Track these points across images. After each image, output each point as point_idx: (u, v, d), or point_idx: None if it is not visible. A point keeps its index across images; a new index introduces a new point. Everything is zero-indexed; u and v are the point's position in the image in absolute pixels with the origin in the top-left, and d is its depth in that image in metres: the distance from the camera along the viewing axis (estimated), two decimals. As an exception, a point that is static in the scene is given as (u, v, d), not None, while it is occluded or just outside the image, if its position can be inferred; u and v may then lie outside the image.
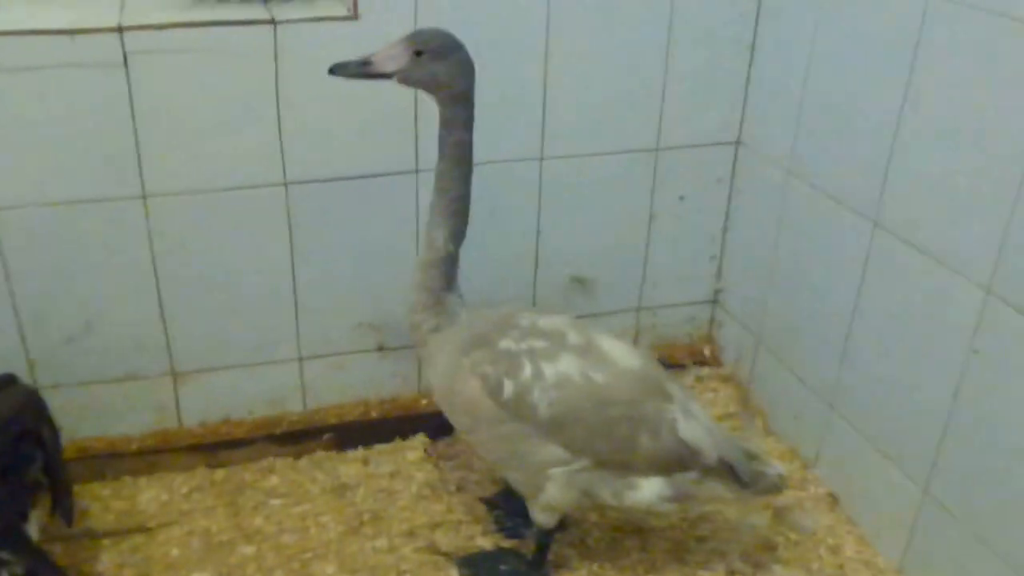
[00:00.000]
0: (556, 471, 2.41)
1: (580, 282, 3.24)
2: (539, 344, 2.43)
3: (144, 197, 2.68)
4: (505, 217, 3.05)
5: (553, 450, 2.38)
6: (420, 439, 3.16)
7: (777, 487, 2.54)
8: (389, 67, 2.34)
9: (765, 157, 3.08)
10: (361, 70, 2.35)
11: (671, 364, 3.41)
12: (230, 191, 2.75)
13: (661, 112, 3.06)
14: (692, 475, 2.43)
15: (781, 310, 3.12)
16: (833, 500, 2.95)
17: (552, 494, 2.45)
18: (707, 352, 3.50)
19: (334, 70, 2.35)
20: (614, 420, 2.36)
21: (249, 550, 2.76)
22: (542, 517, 2.53)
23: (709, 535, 2.84)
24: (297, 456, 3.07)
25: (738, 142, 3.18)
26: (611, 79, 2.97)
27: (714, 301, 3.44)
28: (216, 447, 3.01)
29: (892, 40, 2.51)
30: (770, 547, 2.81)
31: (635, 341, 3.41)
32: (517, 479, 2.54)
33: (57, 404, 2.70)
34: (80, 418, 2.92)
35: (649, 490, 2.42)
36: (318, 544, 2.78)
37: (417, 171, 2.87)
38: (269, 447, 3.05)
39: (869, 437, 2.77)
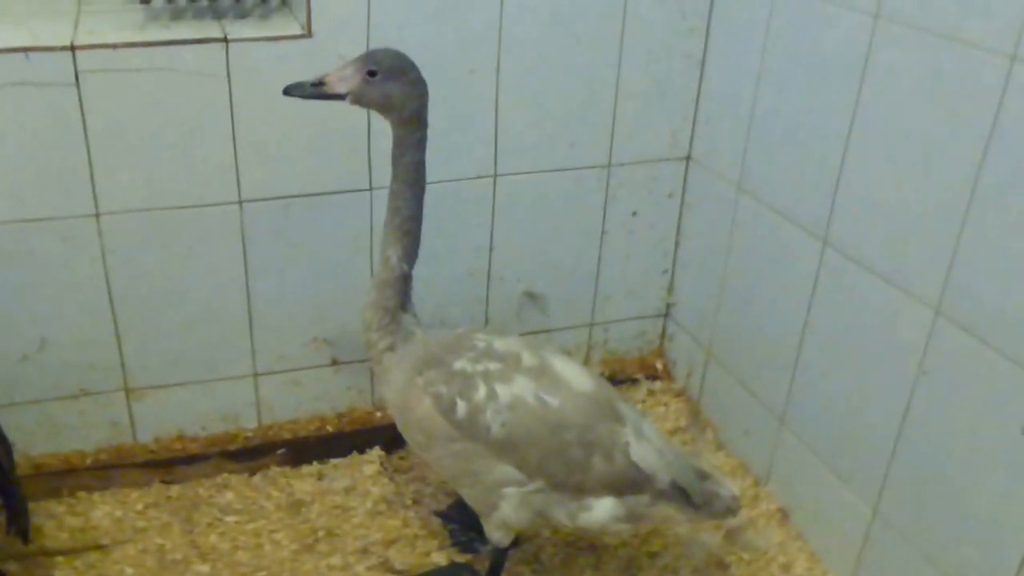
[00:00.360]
0: (510, 491, 2.33)
1: (533, 298, 3.16)
2: (493, 366, 2.35)
3: (97, 215, 2.57)
4: (458, 234, 2.97)
5: (506, 470, 2.31)
6: (376, 453, 3.06)
7: (730, 510, 2.46)
8: (342, 88, 2.25)
9: (715, 173, 3.01)
10: (314, 91, 2.26)
11: (622, 379, 3.35)
12: (184, 209, 2.64)
13: (613, 128, 2.98)
14: (644, 498, 2.35)
15: (732, 325, 3.05)
16: (784, 516, 2.87)
17: (506, 513, 2.37)
18: (659, 366, 3.42)
19: (288, 91, 2.26)
20: (567, 443, 2.28)
21: (203, 568, 2.65)
22: (496, 535, 2.45)
23: (661, 551, 2.76)
24: (252, 472, 2.97)
25: (688, 158, 3.11)
26: (563, 95, 2.89)
27: (666, 315, 3.37)
28: (171, 463, 2.90)
29: (841, 59, 2.44)
30: (722, 565, 2.74)
31: (587, 356, 3.34)
32: (471, 496, 2.46)
33: (11, 421, 2.63)
34: (35, 435, 2.80)
35: (602, 511, 2.34)
36: (272, 562, 2.68)
37: (371, 189, 2.78)
38: (224, 463, 2.94)
39: (819, 454, 2.70)
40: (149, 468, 2.89)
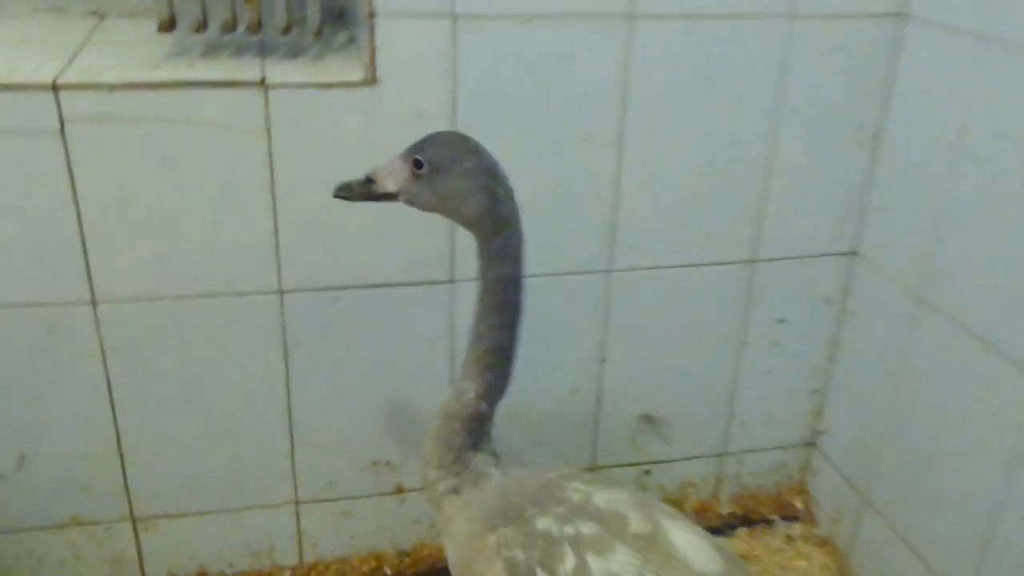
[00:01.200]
0: None
1: (651, 422, 2.32)
2: (588, 529, 1.58)
3: (93, 302, 1.82)
4: (561, 342, 2.16)
5: None
6: (445, 601, 2.36)
7: None
8: (391, 185, 1.60)
9: (888, 274, 2.14)
10: (362, 191, 1.61)
11: (755, 520, 2.47)
12: (207, 298, 1.88)
13: (760, 215, 2.14)
14: None
15: (898, 467, 2.16)
16: None
17: None
18: (799, 505, 2.51)
19: (337, 193, 1.61)
20: None
21: None
22: None
23: None
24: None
25: (854, 253, 2.24)
26: (700, 172, 2.06)
27: (810, 444, 2.48)
28: (189, 611, 2.18)
29: None
30: None
31: (715, 491, 2.46)
32: None
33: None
34: (13, 573, 2.05)
35: None
36: None
37: (452, 281, 1.99)
38: (254, 611, 2.22)
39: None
40: (159, 615, 2.17)
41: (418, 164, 1.56)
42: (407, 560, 2.27)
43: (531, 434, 2.22)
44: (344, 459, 2.14)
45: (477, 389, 1.66)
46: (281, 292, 1.92)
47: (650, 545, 1.64)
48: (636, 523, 1.64)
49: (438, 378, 2.11)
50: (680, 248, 2.14)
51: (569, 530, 1.62)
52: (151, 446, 2.00)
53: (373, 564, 2.25)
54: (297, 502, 2.15)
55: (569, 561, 1.57)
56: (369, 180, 1.62)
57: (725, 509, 2.48)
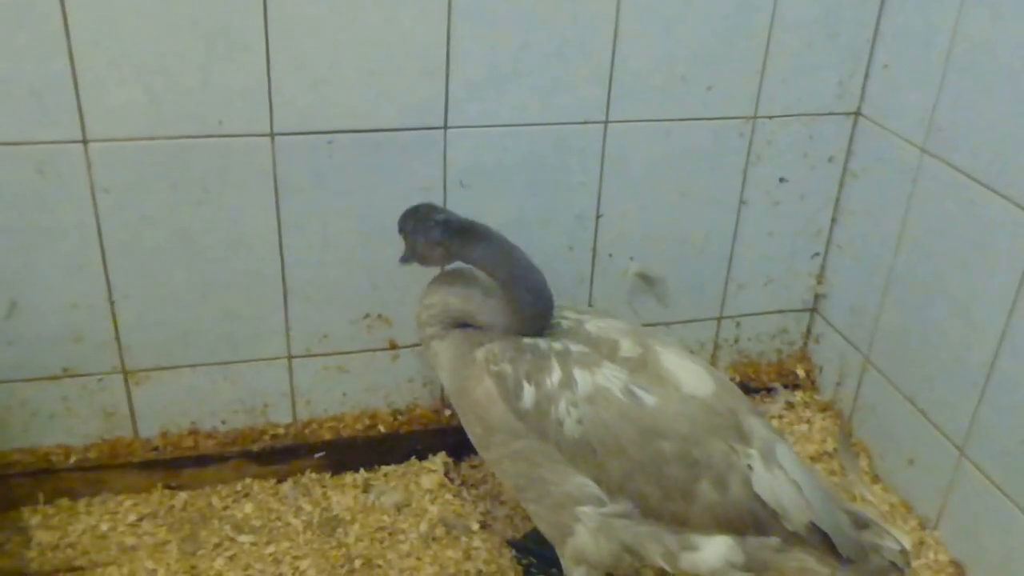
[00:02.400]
0: (586, 511, 1.69)
1: (648, 281, 2.32)
2: (577, 348, 1.68)
3: (84, 141, 1.82)
4: (558, 195, 2.16)
5: (582, 482, 1.67)
6: (440, 459, 2.29)
7: (896, 568, 1.67)
8: (404, 255, 1.91)
9: (893, 131, 2.16)
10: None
11: (756, 387, 2.51)
12: (198, 139, 1.88)
13: (763, 69, 2.14)
14: (772, 541, 1.62)
15: (901, 324, 2.20)
16: (959, 571, 2.05)
17: (583, 541, 1.72)
18: (801, 372, 2.55)
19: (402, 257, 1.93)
20: (665, 458, 1.59)
21: None
22: (576, 572, 1.76)
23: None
24: (280, 479, 2.22)
25: (858, 113, 2.25)
26: (702, 22, 2.06)
27: (813, 310, 2.50)
28: (178, 464, 2.16)
29: None
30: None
31: (713, 357, 2.50)
32: (539, 515, 1.76)
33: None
34: (4, 425, 2.06)
35: (713, 553, 1.65)
36: None
37: (445, 127, 1.99)
38: (245, 466, 2.19)
39: (1012, 493, 1.88)
40: (151, 470, 2.15)
41: (401, 231, 1.90)
42: (401, 419, 2.31)
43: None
44: (337, 312, 2.16)
45: (504, 323, 1.78)
46: (273, 135, 1.92)
47: (640, 366, 1.72)
48: (627, 347, 1.75)
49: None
50: (679, 101, 2.15)
51: (557, 346, 1.72)
52: (143, 295, 2.01)
53: (367, 422, 2.28)
54: (290, 357, 2.17)
55: (556, 374, 1.67)
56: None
57: (725, 375, 2.49)
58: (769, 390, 2.53)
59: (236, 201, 1.98)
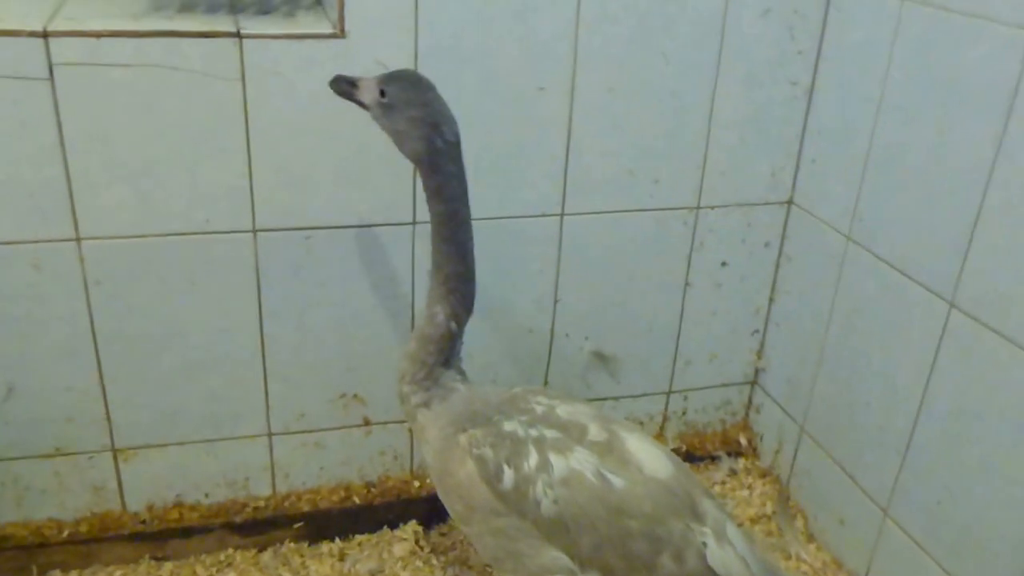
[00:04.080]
0: None
1: (602, 359, 2.45)
2: (551, 433, 1.78)
3: (78, 240, 1.94)
4: (518, 283, 2.29)
5: (555, 556, 1.73)
6: (411, 528, 2.37)
7: None
8: (365, 97, 1.79)
9: (821, 220, 2.30)
10: (344, 87, 1.79)
11: (701, 456, 2.64)
12: (185, 237, 2.00)
13: (704, 164, 2.29)
14: None
15: (831, 396, 2.33)
16: (884, 626, 2.23)
17: None
18: (744, 441, 2.67)
19: (331, 83, 1.78)
20: (630, 534, 1.69)
21: None
22: None
23: None
24: (261, 548, 2.30)
25: (790, 202, 2.40)
26: (647, 123, 2.20)
27: (754, 383, 2.64)
28: (164, 536, 2.23)
29: (983, 84, 1.77)
30: None
31: (662, 428, 2.61)
32: None
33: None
34: (0, 500, 2.18)
35: None
36: None
37: (415, 223, 2.13)
38: (228, 537, 2.28)
39: (933, 553, 2.00)
40: (139, 542, 2.22)
41: (383, 93, 1.76)
42: (374, 490, 2.41)
43: (487, 371, 2.35)
44: (313, 392, 2.27)
45: (446, 311, 1.85)
46: (255, 231, 2.05)
47: (607, 450, 1.83)
48: (595, 432, 1.85)
49: (402, 314, 2.25)
50: (628, 194, 2.29)
51: (533, 432, 1.83)
52: (131, 379, 2.11)
53: (342, 494, 2.37)
54: (270, 434, 2.27)
55: (533, 458, 1.77)
56: (353, 84, 1.80)
57: (672, 445, 2.61)
58: (714, 458, 2.65)
59: (220, 291, 2.08)
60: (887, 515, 2.16)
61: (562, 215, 2.24)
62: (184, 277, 2.05)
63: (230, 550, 2.29)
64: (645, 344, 2.48)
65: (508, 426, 1.82)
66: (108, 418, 2.14)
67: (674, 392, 2.58)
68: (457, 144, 1.76)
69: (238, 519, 2.30)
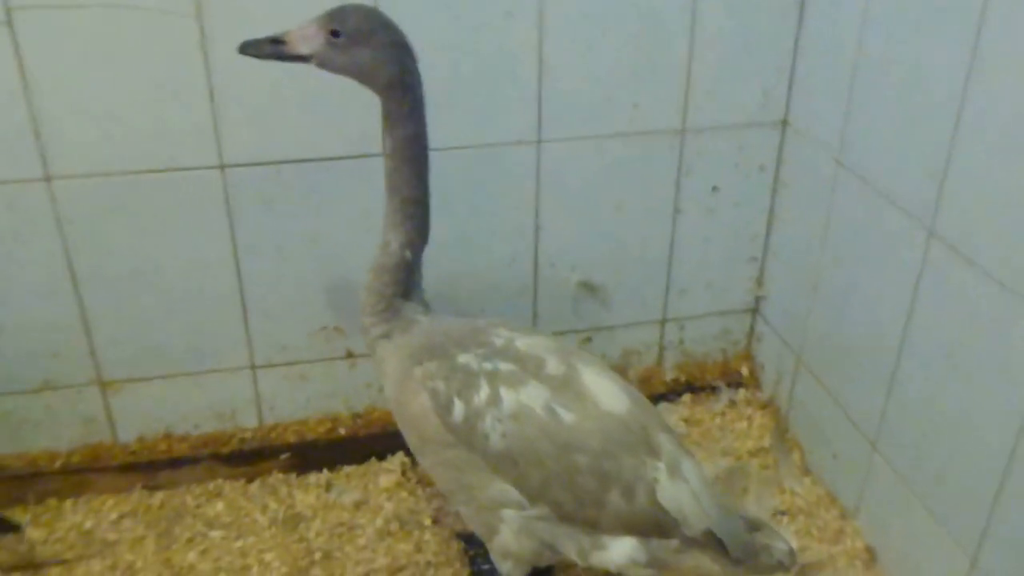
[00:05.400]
0: (508, 514, 1.83)
1: (590, 289, 2.45)
2: (505, 367, 1.80)
3: (47, 179, 2.01)
4: (497, 212, 2.31)
5: (505, 489, 1.81)
6: (398, 460, 2.44)
7: (782, 566, 1.85)
8: (304, 49, 1.76)
9: (814, 142, 2.26)
10: (273, 50, 1.76)
11: (701, 386, 2.63)
12: (152, 174, 2.06)
13: (687, 85, 2.25)
14: (672, 543, 1.80)
15: (824, 326, 2.32)
16: (871, 556, 2.19)
17: (507, 539, 1.86)
18: (745, 371, 2.66)
19: (244, 48, 1.75)
20: (578, 470, 1.73)
21: None
22: (503, 566, 1.92)
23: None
24: (249, 479, 2.39)
25: (784, 122, 2.35)
26: (624, 43, 2.18)
27: (755, 311, 2.62)
28: (155, 467, 2.34)
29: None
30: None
31: (660, 359, 2.61)
32: (468, 516, 1.93)
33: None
34: (-7, 431, 2.35)
35: (619, 552, 1.81)
36: None
37: (384, 153, 2.06)
38: (217, 468, 2.37)
39: (914, 488, 2.01)
40: (130, 472, 2.33)
41: (335, 33, 1.73)
42: (360, 421, 2.48)
43: (473, 303, 2.38)
44: (294, 325, 2.33)
45: (400, 239, 1.88)
46: (223, 167, 2.10)
47: (563, 384, 1.84)
48: (552, 365, 1.86)
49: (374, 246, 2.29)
50: (608, 119, 2.27)
51: (487, 366, 1.85)
52: (113, 314, 2.20)
53: (329, 425, 2.46)
54: (254, 367, 2.35)
55: (484, 392, 1.80)
56: (279, 41, 1.76)
57: (669, 376, 2.63)
58: (713, 389, 2.64)
59: (192, 227, 2.15)
60: (875, 449, 2.16)
61: (539, 142, 2.24)
62: (155, 214, 2.12)
63: (219, 480, 2.39)
64: (636, 273, 2.48)
65: (462, 359, 1.84)
66: (92, 353, 2.24)
67: (669, 320, 2.58)
68: (417, 62, 1.79)
69: (226, 450, 2.40)
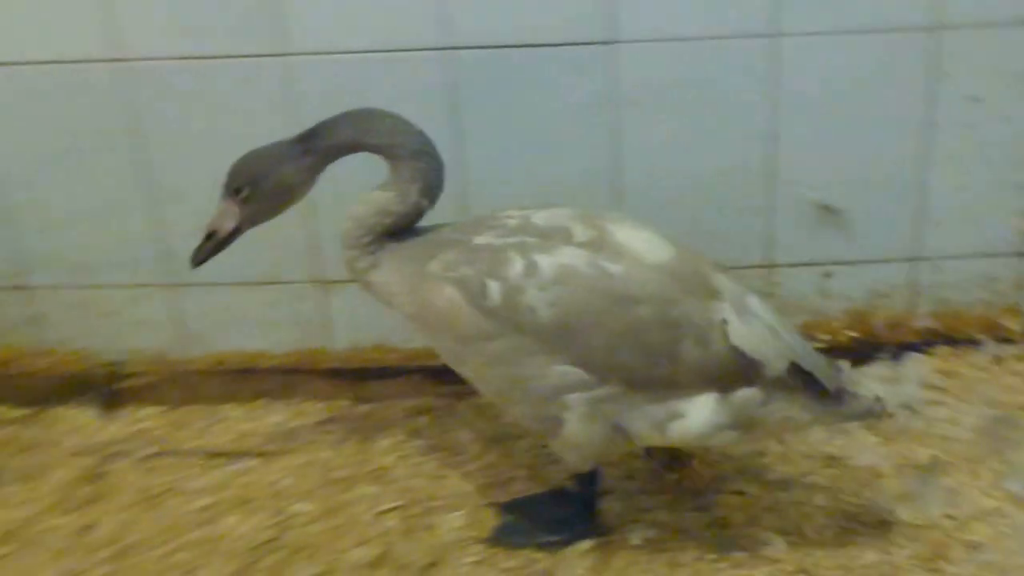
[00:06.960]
0: (573, 398, 1.73)
1: (830, 212, 2.26)
2: (530, 239, 1.70)
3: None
4: (726, 114, 2.18)
5: (565, 371, 1.70)
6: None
7: (874, 412, 1.79)
8: (230, 224, 1.80)
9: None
10: (212, 245, 1.81)
11: (958, 339, 2.35)
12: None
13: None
14: (755, 394, 1.72)
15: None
16: None
17: (573, 429, 1.76)
18: (1012, 326, 2.35)
19: (196, 261, 1.83)
20: (644, 324, 1.66)
21: (368, 490, 2.09)
22: (572, 459, 1.85)
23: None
24: (458, 397, 2.31)
25: (1060, 21, 2.16)
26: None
27: (1022, 253, 2.36)
28: (365, 376, 2.36)
29: None
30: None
31: (911, 303, 2.35)
32: (526, 415, 1.84)
33: (194, 309, 2.31)
34: (218, 326, 2.36)
35: (698, 417, 1.72)
36: (451, 495, 2.06)
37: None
38: (425, 384, 2.34)
39: None
40: (340, 379, 2.38)
41: (238, 191, 1.77)
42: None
43: (696, 221, 2.24)
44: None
45: (420, 188, 1.77)
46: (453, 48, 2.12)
47: (598, 246, 1.73)
48: (580, 232, 1.76)
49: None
50: (851, 11, 2.11)
51: (512, 240, 1.74)
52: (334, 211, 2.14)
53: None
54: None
55: (517, 264, 1.69)
56: (210, 234, 1.81)
57: (921, 323, 2.38)
58: (975, 342, 2.34)
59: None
60: None
61: (779, 36, 2.10)
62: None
63: (428, 398, 2.35)
64: (882, 196, 2.27)
65: (480, 240, 1.75)
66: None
67: (920, 259, 2.32)
68: (303, 134, 1.78)
69: (436, 364, 2.22)
